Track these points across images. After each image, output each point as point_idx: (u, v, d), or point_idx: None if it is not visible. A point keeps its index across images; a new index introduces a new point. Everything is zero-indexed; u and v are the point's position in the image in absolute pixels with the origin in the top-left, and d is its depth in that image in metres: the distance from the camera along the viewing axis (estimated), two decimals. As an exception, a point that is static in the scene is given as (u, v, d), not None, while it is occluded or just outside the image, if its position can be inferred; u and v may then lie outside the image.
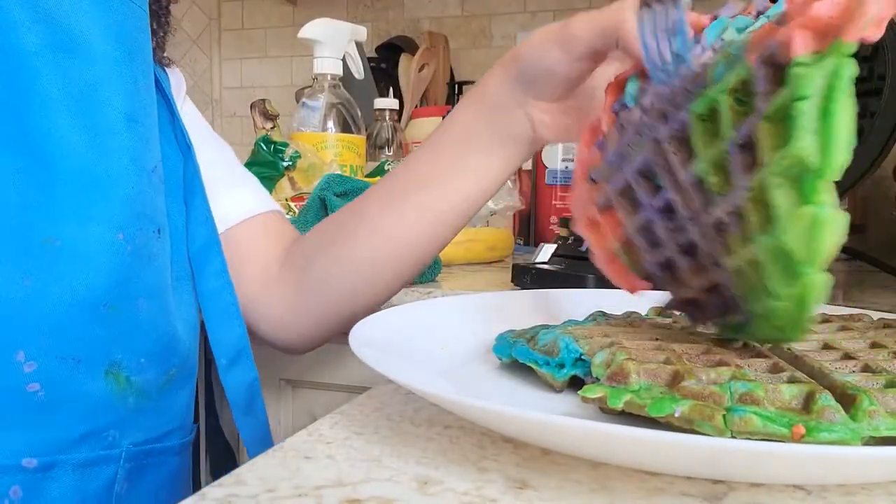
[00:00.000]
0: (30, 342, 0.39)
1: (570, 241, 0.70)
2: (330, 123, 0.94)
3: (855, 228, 1.13)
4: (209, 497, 0.25)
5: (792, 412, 0.26)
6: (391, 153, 1.16)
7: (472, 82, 1.32)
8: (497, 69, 0.49)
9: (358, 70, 1.00)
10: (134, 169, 0.43)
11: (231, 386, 0.52)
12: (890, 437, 0.26)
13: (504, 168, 0.50)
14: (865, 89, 0.78)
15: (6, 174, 0.39)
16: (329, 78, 0.94)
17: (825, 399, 0.26)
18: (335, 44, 0.95)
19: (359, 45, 1.03)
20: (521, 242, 1.11)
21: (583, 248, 0.67)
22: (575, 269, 0.65)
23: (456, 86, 1.14)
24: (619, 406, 0.28)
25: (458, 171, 0.49)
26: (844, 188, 0.77)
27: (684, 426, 0.27)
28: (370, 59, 1.35)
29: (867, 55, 0.78)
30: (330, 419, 0.33)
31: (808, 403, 0.27)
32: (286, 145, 0.88)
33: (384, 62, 1.38)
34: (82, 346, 0.41)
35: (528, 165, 1.10)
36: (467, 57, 1.50)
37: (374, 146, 1.16)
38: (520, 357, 0.36)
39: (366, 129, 1.01)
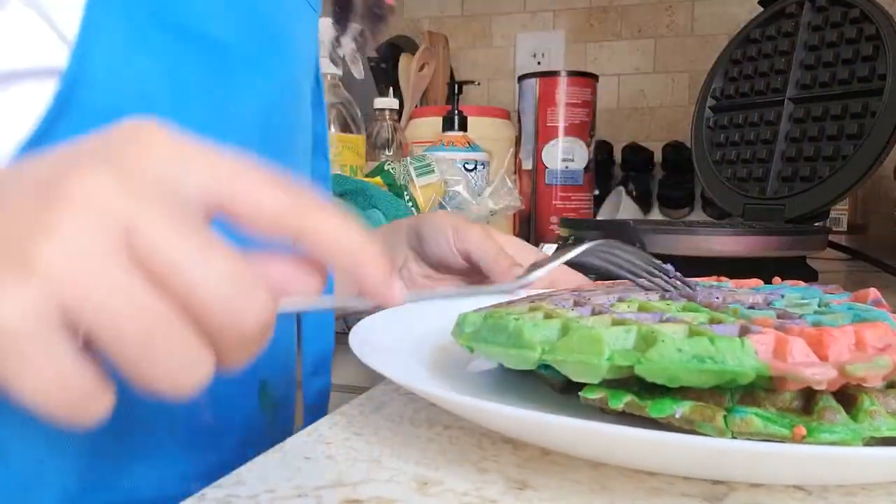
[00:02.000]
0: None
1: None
2: (330, 123, 0.94)
3: (855, 228, 1.13)
4: (209, 497, 0.25)
5: (793, 413, 0.26)
6: (391, 153, 1.15)
7: (472, 82, 1.32)
8: None
9: (358, 70, 1.00)
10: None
11: (310, 394, 0.54)
12: (891, 437, 0.26)
13: None
14: (866, 89, 0.78)
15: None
16: (329, 78, 0.94)
17: (826, 400, 0.26)
18: (335, 44, 0.95)
19: (359, 45, 1.02)
20: (521, 242, 1.11)
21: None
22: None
23: (456, 85, 1.14)
24: (620, 407, 0.28)
25: None
26: (845, 188, 0.77)
27: (685, 427, 0.26)
28: (370, 59, 1.34)
29: (868, 55, 0.78)
30: (330, 419, 0.32)
31: (808, 404, 0.26)
32: (286, 145, 0.88)
33: (384, 62, 1.38)
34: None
35: (528, 165, 1.10)
36: (467, 57, 1.50)
37: (374, 146, 1.15)
38: None
39: (366, 129, 1.01)
